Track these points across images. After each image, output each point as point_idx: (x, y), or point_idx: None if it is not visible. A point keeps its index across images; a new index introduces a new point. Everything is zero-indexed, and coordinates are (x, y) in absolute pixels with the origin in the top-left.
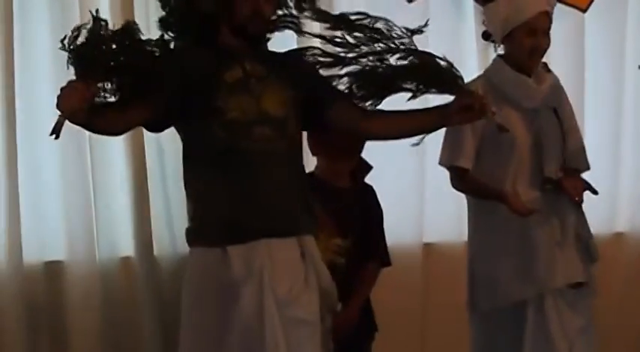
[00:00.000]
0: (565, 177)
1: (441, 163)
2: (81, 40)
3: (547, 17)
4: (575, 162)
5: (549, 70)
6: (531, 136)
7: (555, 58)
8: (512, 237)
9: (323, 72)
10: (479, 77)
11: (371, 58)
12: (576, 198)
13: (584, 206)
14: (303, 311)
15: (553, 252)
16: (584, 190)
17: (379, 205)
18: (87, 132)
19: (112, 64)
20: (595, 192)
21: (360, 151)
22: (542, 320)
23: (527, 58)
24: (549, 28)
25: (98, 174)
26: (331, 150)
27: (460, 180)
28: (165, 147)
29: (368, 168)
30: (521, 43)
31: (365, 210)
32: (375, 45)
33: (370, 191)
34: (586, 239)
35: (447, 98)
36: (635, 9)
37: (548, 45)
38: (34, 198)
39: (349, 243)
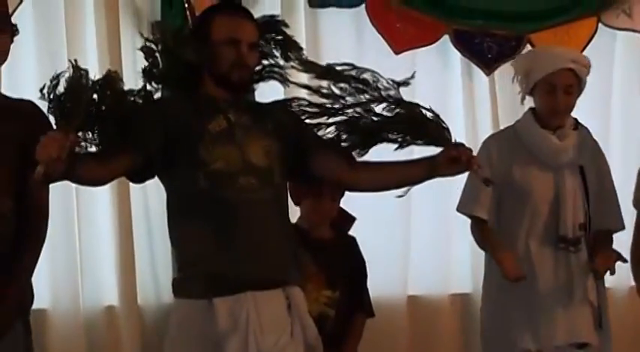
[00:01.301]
0: (599, 251)
1: (457, 210)
2: (61, 89)
3: (570, 75)
4: (607, 222)
5: (577, 127)
6: (552, 193)
7: None
8: (519, 290)
9: (308, 122)
10: (507, 128)
11: (357, 108)
12: (607, 274)
13: None
14: None
15: (556, 310)
16: (615, 261)
17: (362, 257)
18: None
19: (92, 113)
20: (625, 261)
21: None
22: None
23: (547, 115)
24: (574, 87)
25: (83, 223)
26: (315, 189)
27: (475, 229)
28: (151, 196)
29: (351, 219)
30: (541, 99)
31: (349, 262)
32: (362, 96)
33: (353, 242)
34: (597, 304)
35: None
36: (621, 64)
37: (569, 104)
38: None
39: (338, 295)
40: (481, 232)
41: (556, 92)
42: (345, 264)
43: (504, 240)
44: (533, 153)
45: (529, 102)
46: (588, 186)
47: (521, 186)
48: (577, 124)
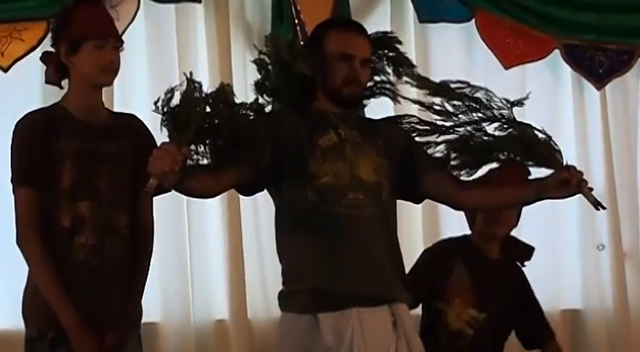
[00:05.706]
0: None
1: None
2: (174, 102)
3: None
4: None
5: None
6: None
7: None
8: None
9: (419, 139)
10: None
11: (468, 127)
12: None
13: None
14: None
15: None
16: None
17: (529, 284)
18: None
19: (205, 126)
20: None
21: (518, 217)
22: None
23: None
24: None
25: (194, 237)
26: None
27: None
28: (261, 210)
29: (530, 250)
30: None
31: (509, 284)
32: (474, 114)
33: (520, 270)
34: None
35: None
36: None
37: None
38: None
39: (483, 317)
40: None
41: None
42: (502, 289)
43: None
44: None
45: None
46: None
47: None
48: None
